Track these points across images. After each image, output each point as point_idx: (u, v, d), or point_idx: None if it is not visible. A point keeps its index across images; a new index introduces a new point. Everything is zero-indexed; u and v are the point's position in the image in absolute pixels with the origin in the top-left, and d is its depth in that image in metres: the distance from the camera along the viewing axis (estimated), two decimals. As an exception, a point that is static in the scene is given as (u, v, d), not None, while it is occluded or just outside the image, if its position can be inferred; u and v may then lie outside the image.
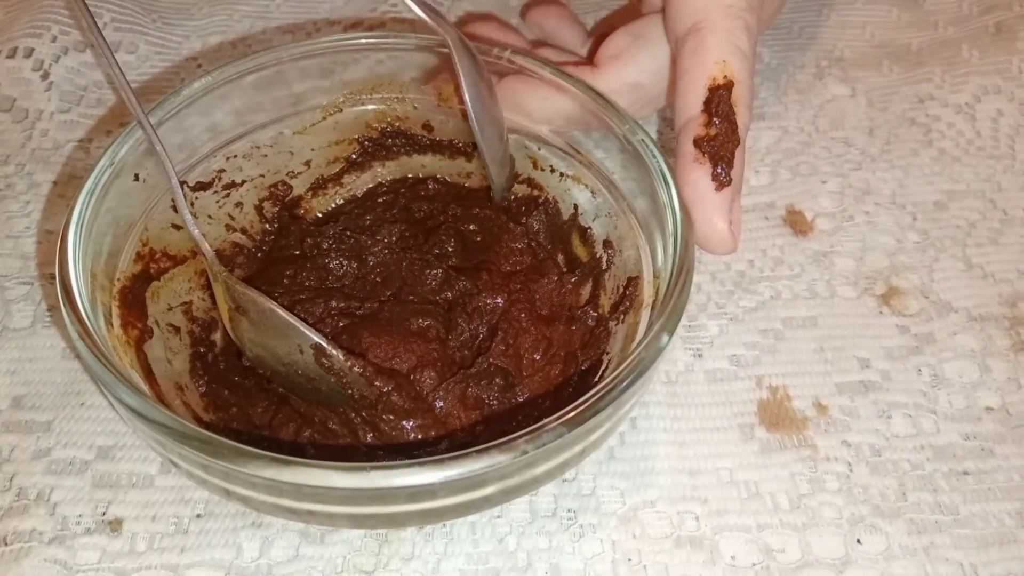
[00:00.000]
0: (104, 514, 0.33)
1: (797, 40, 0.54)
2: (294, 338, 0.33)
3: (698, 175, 0.33)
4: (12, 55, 0.48)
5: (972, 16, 0.55)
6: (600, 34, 0.45)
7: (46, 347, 0.38)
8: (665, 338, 0.29)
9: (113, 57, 0.34)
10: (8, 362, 0.38)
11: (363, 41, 0.39)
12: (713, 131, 0.34)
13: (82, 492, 0.34)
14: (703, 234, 0.34)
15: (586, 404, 0.27)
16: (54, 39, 0.49)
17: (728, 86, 0.34)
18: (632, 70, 0.39)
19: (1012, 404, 0.37)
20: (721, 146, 0.33)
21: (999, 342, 0.39)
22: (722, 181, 0.33)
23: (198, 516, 0.33)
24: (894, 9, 0.56)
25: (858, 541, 0.33)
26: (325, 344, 0.33)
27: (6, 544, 0.32)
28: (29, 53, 0.49)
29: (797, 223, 0.44)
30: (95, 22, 0.34)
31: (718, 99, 0.34)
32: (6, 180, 0.45)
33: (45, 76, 0.48)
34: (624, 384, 0.28)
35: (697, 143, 0.34)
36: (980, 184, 0.46)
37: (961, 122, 0.49)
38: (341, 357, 0.33)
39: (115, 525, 0.33)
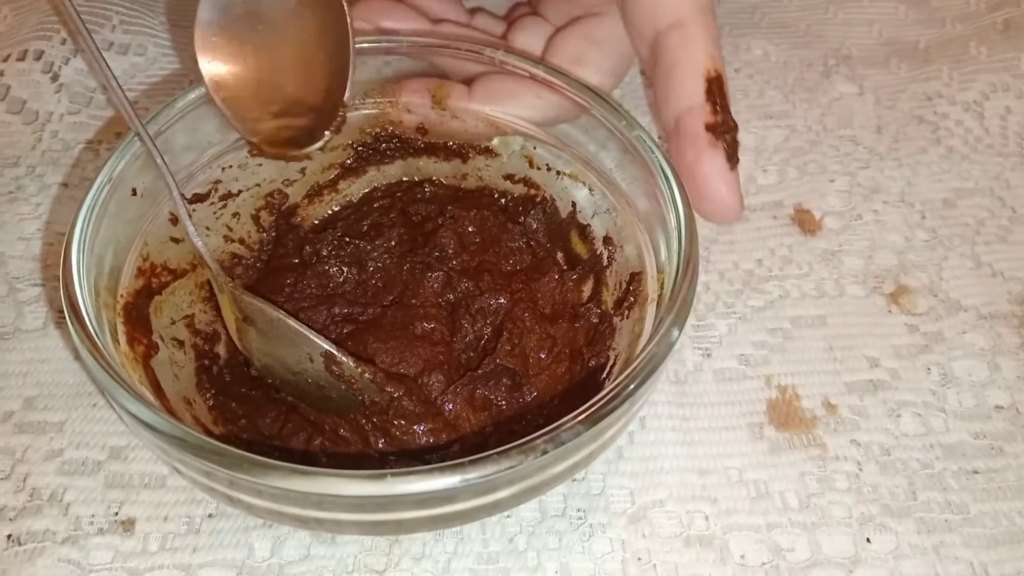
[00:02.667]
0: (117, 514, 0.33)
1: (804, 38, 0.54)
2: (303, 346, 0.33)
3: (717, 155, 0.35)
4: (22, 57, 0.49)
5: (980, 13, 0.55)
6: (514, 18, 0.45)
7: (58, 348, 0.39)
8: (675, 333, 0.29)
9: (113, 75, 0.33)
10: (20, 363, 0.38)
11: (355, 46, 0.39)
12: (719, 118, 0.35)
13: (95, 492, 0.34)
14: (723, 207, 0.35)
15: (602, 402, 0.27)
16: (63, 41, 0.50)
17: (719, 79, 0.36)
18: (594, 74, 0.40)
19: (1022, 402, 0.37)
20: (729, 131, 0.35)
21: (1008, 340, 0.39)
22: (734, 161, 0.35)
23: (210, 516, 0.34)
24: (901, 6, 0.56)
25: (868, 540, 0.33)
26: (335, 351, 0.33)
27: (20, 544, 0.32)
28: (39, 55, 0.49)
29: (805, 222, 0.44)
30: (93, 39, 0.33)
31: (716, 90, 0.36)
32: (17, 182, 0.45)
33: (55, 78, 0.49)
34: (638, 380, 0.28)
35: (708, 129, 0.35)
36: (989, 182, 0.46)
37: (969, 120, 0.49)
38: (351, 364, 0.33)
39: (128, 525, 0.33)
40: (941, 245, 0.43)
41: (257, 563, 0.32)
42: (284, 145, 0.35)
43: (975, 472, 0.35)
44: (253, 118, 0.35)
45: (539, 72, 0.37)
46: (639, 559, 0.33)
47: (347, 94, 0.34)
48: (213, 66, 0.34)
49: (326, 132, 0.35)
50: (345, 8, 0.34)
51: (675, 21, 0.36)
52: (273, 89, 0.35)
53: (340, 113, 0.35)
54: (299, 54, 0.34)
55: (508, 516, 0.34)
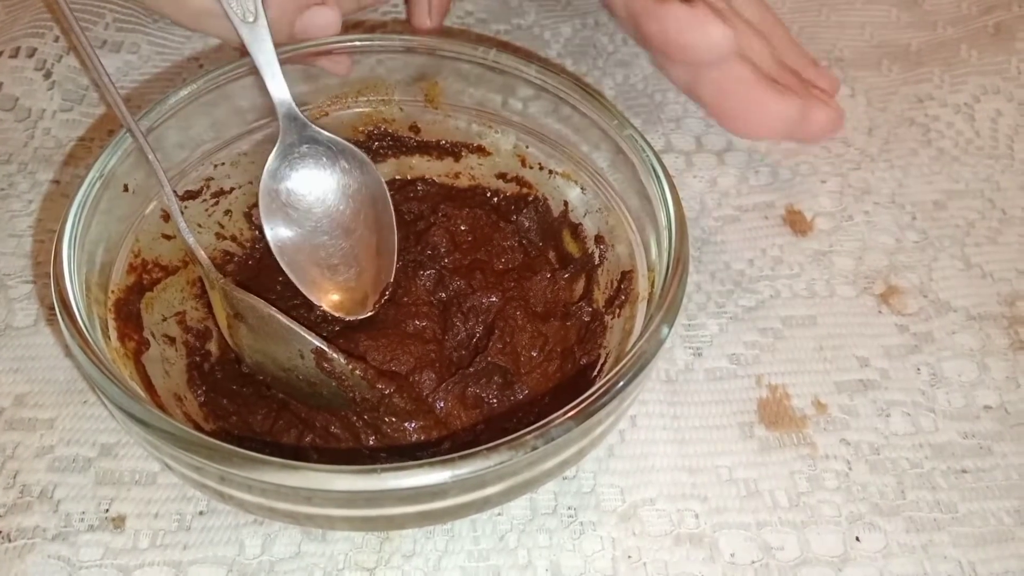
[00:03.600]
0: (107, 511, 0.33)
1: (796, 40, 0.54)
2: (295, 343, 0.33)
3: (670, 7, 0.36)
4: (15, 54, 0.49)
5: (971, 16, 0.55)
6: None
7: (49, 345, 0.38)
8: (665, 330, 0.29)
9: (106, 73, 0.33)
10: (11, 360, 0.38)
11: (348, 44, 0.39)
12: None
13: (85, 489, 0.34)
14: (706, 40, 0.37)
15: (592, 398, 0.27)
16: (56, 39, 0.50)
17: None
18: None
19: (1010, 403, 0.37)
20: None
21: (997, 341, 0.40)
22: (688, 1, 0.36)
23: (200, 513, 0.33)
24: (893, 9, 0.56)
25: (857, 539, 0.33)
26: (326, 348, 0.33)
27: (9, 540, 0.32)
28: (32, 53, 0.49)
29: (796, 222, 0.44)
30: (86, 37, 0.33)
31: None
32: (9, 179, 0.45)
33: (48, 75, 0.49)
34: (628, 377, 0.28)
35: None
36: (979, 184, 0.46)
37: (960, 122, 0.49)
38: (342, 360, 0.33)
39: (118, 522, 0.33)
40: (931, 246, 0.43)
41: (248, 560, 0.32)
42: (340, 309, 0.38)
43: (964, 471, 0.35)
44: (315, 286, 0.38)
45: (531, 72, 0.37)
46: (629, 557, 0.33)
47: (392, 274, 0.38)
48: (276, 234, 0.37)
49: (374, 303, 0.38)
50: (389, 200, 0.38)
51: None
52: (329, 267, 0.38)
53: (387, 286, 0.38)
54: (351, 238, 0.38)
55: (499, 513, 0.34)
